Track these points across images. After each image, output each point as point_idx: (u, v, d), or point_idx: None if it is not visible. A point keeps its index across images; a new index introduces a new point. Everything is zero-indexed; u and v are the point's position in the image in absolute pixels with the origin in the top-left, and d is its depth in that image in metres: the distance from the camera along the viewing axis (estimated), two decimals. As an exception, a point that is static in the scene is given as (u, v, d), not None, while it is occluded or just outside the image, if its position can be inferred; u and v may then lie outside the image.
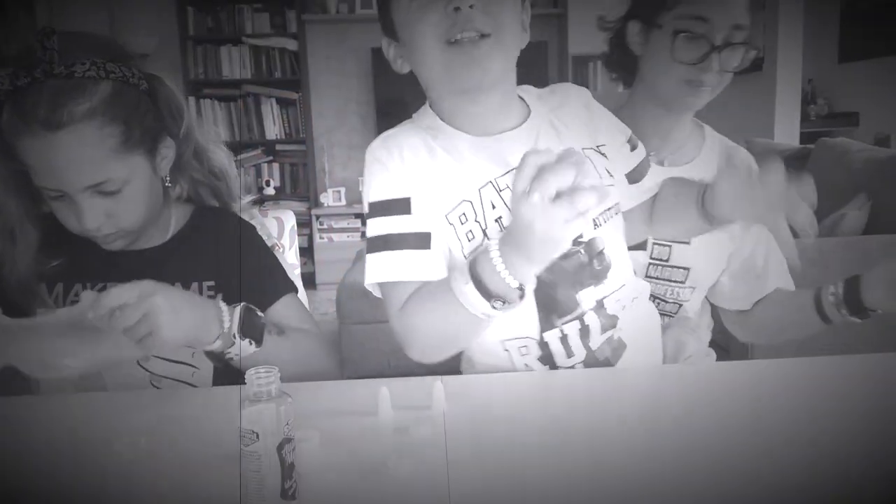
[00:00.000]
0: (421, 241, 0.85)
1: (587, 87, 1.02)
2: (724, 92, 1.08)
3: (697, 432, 0.71)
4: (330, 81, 4.89)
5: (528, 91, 0.97)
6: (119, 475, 0.66)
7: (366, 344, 2.70)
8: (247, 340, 0.87)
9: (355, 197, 4.91)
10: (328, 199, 4.84)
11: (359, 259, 3.45)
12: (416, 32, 0.84)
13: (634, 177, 0.98)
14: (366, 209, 0.89)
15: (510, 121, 0.92)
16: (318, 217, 4.73)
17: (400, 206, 0.86)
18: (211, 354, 0.89)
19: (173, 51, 4.50)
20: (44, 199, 0.93)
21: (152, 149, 0.95)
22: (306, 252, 4.69)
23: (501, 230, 0.86)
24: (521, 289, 0.73)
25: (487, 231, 0.87)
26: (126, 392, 0.91)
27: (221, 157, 1.07)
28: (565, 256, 0.87)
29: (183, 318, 0.81)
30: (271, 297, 1.00)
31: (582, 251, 0.89)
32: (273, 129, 4.81)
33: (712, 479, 0.62)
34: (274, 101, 4.78)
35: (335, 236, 4.75)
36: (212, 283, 1.00)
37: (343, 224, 4.77)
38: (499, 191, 0.88)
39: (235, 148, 4.81)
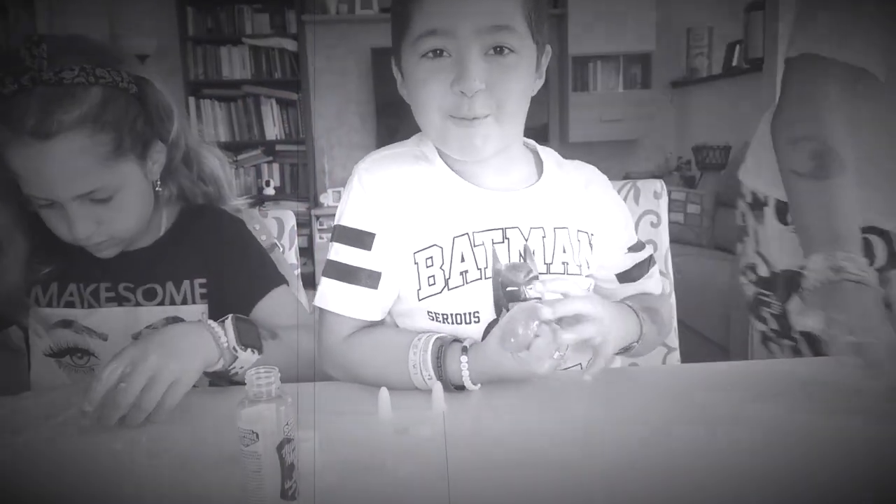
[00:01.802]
0: (371, 279, 0.86)
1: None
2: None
3: (698, 432, 0.71)
4: (330, 82, 4.90)
5: (550, 155, 0.96)
6: (119, 475, 0.66)
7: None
8: (248, 350, 0.85)
9: (355, 197, 4.91)
10: (328, 199, 4.84)
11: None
12: (420, 95, 0.82)
13: (627, 276, 0.99)
14: (334, 226, 0.90)
15: (508, 179, 0.90)
16: (317, 217, 4.73)
17: (363, 240, 0.86)
18: (213, 374, 0.87)
19: (173, 51, 4.50)
20: (33, 206, 0.91)
21: (143, 154, 0.93)
22: (306, 252, 4.69)
23: (464, 283, 0.86)
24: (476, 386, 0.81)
25: (449, 281, 0.85)
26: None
27: (213, 162, 1.05)
28: (512, 295, 0.86)
29: (186, 356, 0.80)
30: (259, 292, 0.99)
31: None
32: (273, 130, 4.82)
33: (712, 480, 0.61)
34: (274, 101, 4.78)
35: (335, 236, 4.75)
36: (203, 280, 0.99)
37: (343, 224, 4.76)
38: (473, 245, 0.86)
39: (235, 148, 4.82)
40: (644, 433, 0.71)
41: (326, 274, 0.88)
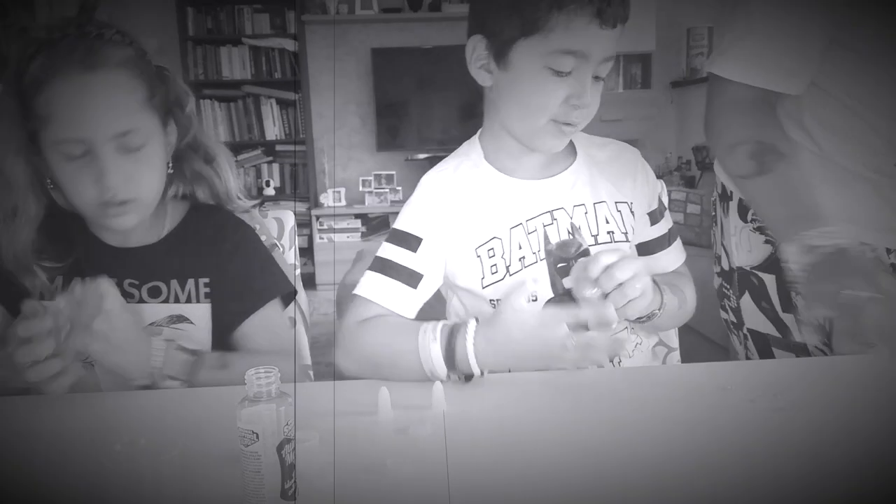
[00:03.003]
0: (412, 279, 0.93)
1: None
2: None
3: (698, 432, 0.71)
4: (330, 82, 4.90)
5: (580, 136, 1.02)
6: (119, 476, 0.66)
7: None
8: (177, 382, 0.89)
9: (355, 197, 4.92)
10: (328, 199, 4.84)
11: (359, 259, 3.45)
12: (529, 93, 0.89)
13: (645, 249, 1.05)
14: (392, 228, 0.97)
15: (553, 168, 0.99)
16: (317, 217, 4.73)
17: (411, 242, 0.94)
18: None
19: (173, 51, 4.50)
20: (51, 174, 0.92)
21: (164, 122, 0.97)
22: (306, 252, 4.69)
23: (523, 267, 0.94)
24: (482, 374, 0.83)
25: (510, 268, 0.94)
26: (125, 392, 0.91)
27: (221, 155, 1.07)
28: (566, 304, 0.93)
29: (120, 333, 0.85)
30: (252, 306, 1.00)
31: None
32: (273, 130, 4.82)
33: (713, 480, 0.61)
34: (274, 101, 4.78)
35: (335, 237, 4.75)
36: (207, 279, 1.00)
37: (343, 224, 4.77)
38: (527, 232, 0.95)
39: (235, 148, 4.82)
40: (644, 433, 0.71)
41: (371, 268, 0.94)
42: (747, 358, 1.16)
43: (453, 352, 0.82)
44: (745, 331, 1.16)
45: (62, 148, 0.88)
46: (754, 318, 1.14)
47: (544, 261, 0.94)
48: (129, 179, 0.90)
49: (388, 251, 0.94)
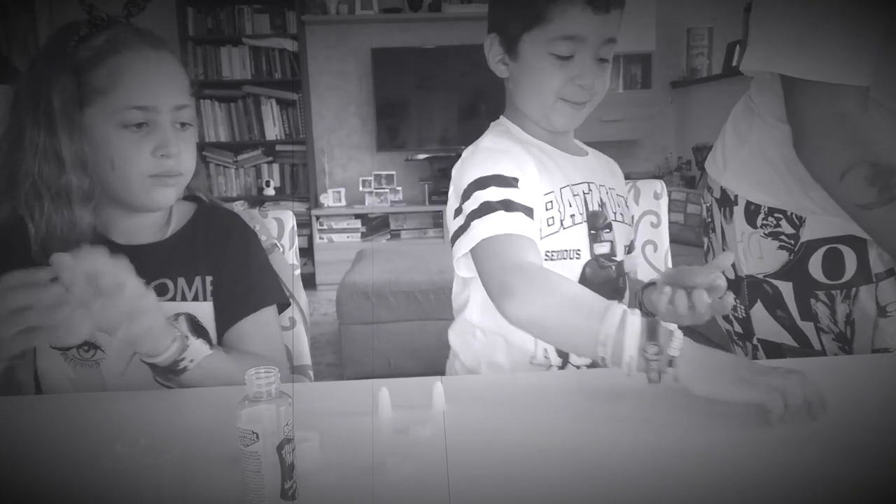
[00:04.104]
0: (527, 212, 0.93)
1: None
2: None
3: (699, 433, 0.71)
4: (330, 82, 4.90)
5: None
6: (118, 476, 0.66)
7: (366, 344, 2.70)
8: (200, 340, 0.86)
9: (355, 197, 4.92)
10: (328, 199, 4.84)
11: (359, 260, 3.45)
12: (537, 78, 0.98)
13: (630, 247, 1.13)
14: (468, 184, 0.94)
15: (572, 147, 1.09)
16: (317, 218, 4.73)
17: (510, 182, 0.94)
18: (160, 369, 0.86)
19: (173, 52, 4.49)
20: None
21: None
22: (306, 253, 4.69)
23: (573, 224, 1.00)
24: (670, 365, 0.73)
25: (563, 221, 0.99)
26: (126, 392, 0.91)
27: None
28: (602, 266, 1.01)
29: (124, 320, 0.78)
30: (246, 309, 1.00)
31: (613, 268, 1.03)
32: (273, 130, 4.82)
33: (713, 480, 0.61)
34: (274, 101, 4.79)
35: (335, 237, 4.76)
36: (212, 278, 1.00)
37: (343, 225, 4.77)
38: (573, 194, 1.01)
39: (235, 148, 4.82)
40: (644, 433, 0.71)
41: (481, 213, 0.90)
42: None
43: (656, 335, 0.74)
44: (754, 341, 1.11)
45: (124, 116, 0.91)
46: (767, 327, 1.09)
47: (585, 223, 1.01)
48: (182, 152, 0.95)
49: (495, 194, 0.91)
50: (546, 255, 0.97)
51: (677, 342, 0.73)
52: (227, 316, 1.00)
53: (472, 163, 0.97)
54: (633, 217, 1.18)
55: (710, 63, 4.58)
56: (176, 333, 0.84)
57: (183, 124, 0.95)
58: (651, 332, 0.74)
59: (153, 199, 0.95)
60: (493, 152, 0.98)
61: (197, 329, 0.89)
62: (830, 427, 0.70)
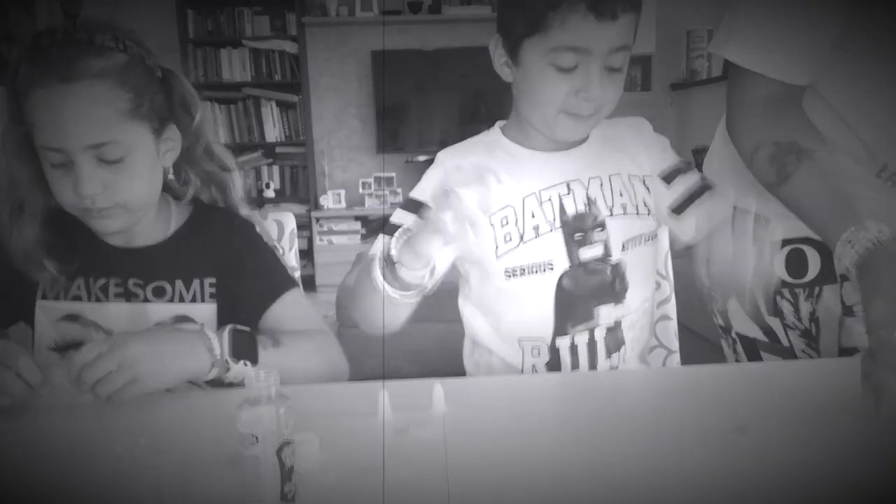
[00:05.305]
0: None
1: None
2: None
3: (699, 434, 0.71)
4: (330, 84, 4.90)
5: None
6: (118, 477, 0.66)
7: (365, 346, 2.70)
8: (241, 362, 0.86)
9: (355, 199, 4.91)
10: (328, 201, 4.84)
11: (358, 262, 3.44)
12: (537, 89, 0.91)
13: (680, 207, 1.00)
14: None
15: (568, 143, 0.99)
16: (317, 219, 4.73)
17: (418, 208, 0.94)
18: (209, 383, 0.88)
19: (173, 53, 4.50)
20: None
21: (158, 130, 0.95)
22: (306, 254, 4.69)
23: (537, 236, 0.95)
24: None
25: (524, 235, 0.95)
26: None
27: (226, 154, 1.09)
28: (591, 271, 0.96)
29: (168, 359, 0.82)
30: (270, 297, 1.00)
31: (607, 270, 0.97)
32: (273, 132, 4.82)
33: (713, 481, 0.61)
34: (274, 103, 4.79)
35: (335, 239, 4.76)
36: (213, 280, 1.00)
37: (343, 226, 4.77)
38: (540, 202, 0.96)
39: (235, 150, 4.80)
40: (644, 435, 0.71)
41: (387, 233, 0.92)
42: (737, 361, 1.16)
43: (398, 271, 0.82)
44: (733, 335, 1.15)
45: (45, 154, 0.90)
46: (742, 322, 1.13)
47: (560, 230, 0.95)
48: (106, 188, 0.91)
49: (399, 217, 0.96)
50: (507, 273, 0.95)
51: None
52: (252, 308, 0.99)
53: (425, 175, 0.99)
54: (650, 193, 1.02)
55: (710, 65, 4.59)
56: (214, 358, 0.85)
57: (110, 161, 0.90)
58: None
59: (95, 226, 0.95)
60: (436, 174, 0.98)
61: (239, 343, 0.86)
62: (830, 427, 0.70)
